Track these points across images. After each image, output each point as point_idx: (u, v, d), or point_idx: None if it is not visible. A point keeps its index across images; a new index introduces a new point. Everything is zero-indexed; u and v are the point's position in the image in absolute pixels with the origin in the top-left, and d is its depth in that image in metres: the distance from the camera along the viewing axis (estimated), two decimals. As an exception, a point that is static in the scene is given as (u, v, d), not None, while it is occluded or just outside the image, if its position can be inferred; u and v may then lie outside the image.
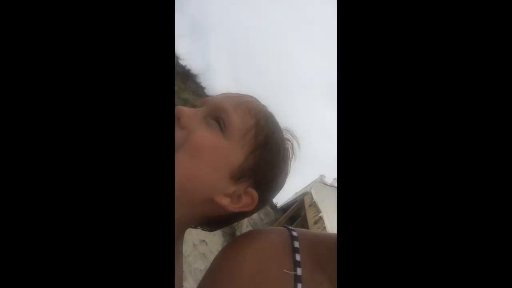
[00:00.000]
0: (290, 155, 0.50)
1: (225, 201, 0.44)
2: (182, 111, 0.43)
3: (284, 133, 0.49)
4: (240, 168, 0.44)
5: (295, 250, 0.45)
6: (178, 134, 0.42)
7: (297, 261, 0.44)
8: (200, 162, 0.42)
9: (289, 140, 0.50)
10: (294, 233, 0.48)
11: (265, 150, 0.45)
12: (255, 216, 5.54)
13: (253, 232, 0.50)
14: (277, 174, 0.47)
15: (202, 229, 0.50)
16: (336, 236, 0.43)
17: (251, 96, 0.49)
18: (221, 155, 0.43)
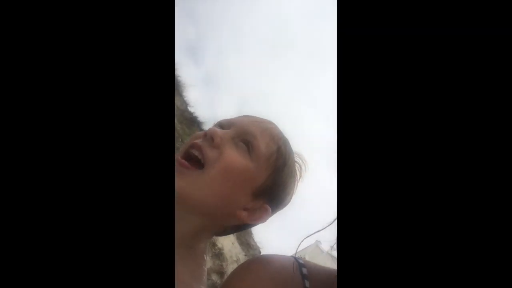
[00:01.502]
0: (298, 177, 0.56)
1: (244, 215, 0.49)
2: (215, 132, 0.47)
3: (295, 157, 0.56)
4: (261, 187, 0.49)
5: (304, 277, 0.47)
6: (211, 152, 0.46)
7: (306, 287, 0.46)
8: (230, 181, 0.46)
9: (298, 163, 0.56)
10: (301, 261, 0.50)
11: (282, 172, 0.51)
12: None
13: (265, 257, 0.52)
14: (288, 193, 0.54)
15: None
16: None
17: (271, 122, 0.55)
18: (247, 175, 0.47)
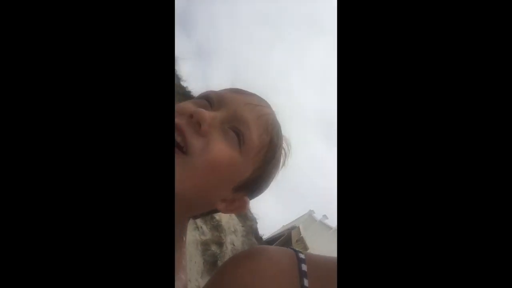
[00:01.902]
0: (281, 165, 0.52)
1: (222, 206, 0.46)
2: (203, 116, 0.41)
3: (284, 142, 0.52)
4: (245, 181, 0.45)
5: (303, 274, 0.43)
6: (197, 141, 0.41)
7: (305, 286, 0.42)
8: (213, 176, 0.42)
9: (284, 150, 0.52)
10: (302, 256, 0.46)
11: (269, 164, 0.47)
12: (239, 246, 5.39)
13: (263, 251, 0.47)
14: (269, 183, 0.51)
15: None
16: None
17: (267, 105, 0.50)
18: (233, 170, 0.43)
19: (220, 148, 0.41)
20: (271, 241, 8.52)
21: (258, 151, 0.44)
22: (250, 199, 0.49)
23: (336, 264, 0.45)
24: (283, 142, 0.51)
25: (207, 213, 0.51)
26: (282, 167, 0.52)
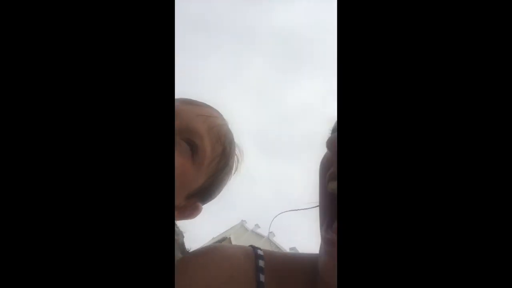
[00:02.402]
0: (234, 171, 0.54)
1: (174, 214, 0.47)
2: None
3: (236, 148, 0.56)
4: (198, 189, 0.47)
5: (259, 270, 0.44)
6: None
7: (260, 282, 0.43)
8: None
9: (236, 156, 0.54)
10: (260, 252, 0.47)
11: (222, 172, 0.49)
12: None
13: (218, 248, 0.48)
14: (221, 188, 0.52)
15: None
16: (303, 257, 0.47)
17: (219, 115, 0.51)
18: (186, 179, 0.44)
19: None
20: (200, 254, 8.33)
21: (211, 160, 0.46)
22: (202, 205, 0.50)
23: (295, 260, 0.47)
24: (237, 149, 0.54)
25: None
26: (234, 173, 0.54)
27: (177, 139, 0.44)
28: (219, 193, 0.52)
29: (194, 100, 0.50)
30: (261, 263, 0.45)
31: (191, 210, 0.48)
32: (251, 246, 0.49)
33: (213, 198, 0.52)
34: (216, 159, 0.47)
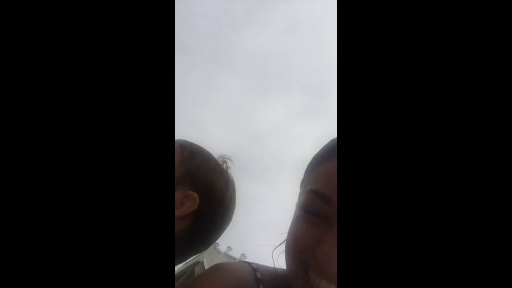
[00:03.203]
0: (226, 169, 0.58)
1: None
2: None
3: (220, 157, 0.59)
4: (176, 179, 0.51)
5: (259, 281, 0.48)
6: None
7: None
8: None
9: (225, 162, 0.60)
10: (254, 265, 0.52)
11: (192, 160, 0.53)
12: None
13: (222, 266, 0.51)
14: (214, 179, 0.55)
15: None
16: (282, 269, 0.48)
17: (182, 141, 0.59)
18: None
19: None
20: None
21: None
22: (213, 196, 0.53)
23: (278, 270, 0.50)
24: (224, 157, 0.59)
25: (182, 234, 0.52)
26: (220, 168, 0.57)
27: None
28: (215, 183, 0.54)
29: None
30: (258, 275, 0.50)
31: (187, 200, 0.51)
32: (244, 261, 0.53)
33: (211, 188, 0.53)
34: (176, 151, 0.54)
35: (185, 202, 0.51)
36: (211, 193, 0.54)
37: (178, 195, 0.51)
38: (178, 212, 0.50)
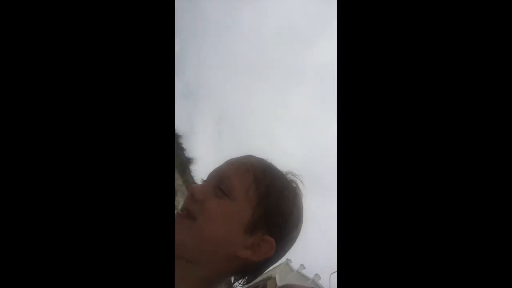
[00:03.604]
0: (298, 194, 0.55)
1: (247, 253, 0.49)
2: (194, 188, 0.52)
3: (288, 176, 0.55)
4: (251, 221, 0.49)
5: None
6: (193, 207, 0.49)
7: None
8: (215, 226, 0.48)
9: (293, 182, 0.55)
10: None
11: (268, 199, 0.50)
12: None
13: (293, 285, 0.52)
14: (288, 216, 0.52)
15: (240, 284, 0.54)
16: None
17: (249, 156, 0.56)
18: (231, 215, 0.49)
19: (212, 203, 0.49)
20: (245, 293, 8.16)
21: (246, 191, 0.50)
22: (284, 239, 0.51)
23: None
24: (290, 175, 0.55)
25: (245, 272, 0.52)
26: (302, 197, 0.55)
27: (215, 190, 0.50)
28: (290, 221, 0.52)
29: (237, 157, 0.56)
30: None
31: (264, 246, 0.50)
32: (315, 284, 0.66)
33: (287, 229, 0.52)
34: (251, 188, 0.50)
35: (261, 245, 0.49)
36: (286, 234, 0.52)
37: (255, 238, 0.49)
38: (255, 256, 0.49)
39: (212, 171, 0.55)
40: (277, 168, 0.55)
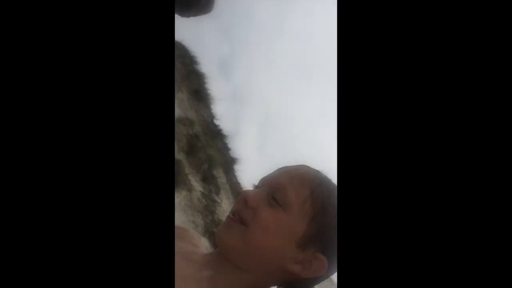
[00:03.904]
0: None
1: (296, 268, 0.48)
2: (248, 194, 0.50)
3: None
4: (305, 236, 0.48)
5: None
6: (246, 213, 0.49)
7: None
8: (268, 236, 0.47)
9: None
10: None
11: (324, 214, 0.49)
12: None
13: None
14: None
15: None
16: None
17: (304, 166, 0.54)
18: (285, 228, 0.48)
19: (266, 212, 0.48)
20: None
21: (301, 205, 0.48)
22: (333, 260, 0.49)
23: None
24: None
25: (291, 286, 0.51)
26: None
27: (269, 198, 0.49)
28: (334, 230, 0.49)
29: (290, 165, 0.55)
30: None
31: (316, 264, 0.48)
32: None
33: (333, 243, 0.49)
34: (307, 202, 0.48)
35: (313, 263, 0.48)
36: (336, 251, 0.49)
37: (307, 254, 0.48)
38: (304, 273, 0.48)
39: (265, 178, 0.53)
40: (332, 182, 0.52)
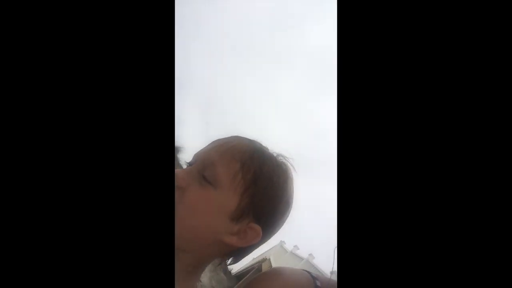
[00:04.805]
0: (288, 178, 0.53)
1: (232, 240, 0.49)
2: (177, 173, 0.49)
3: (278, 159, 0.53)
4: (238, 210, 0.48)
5: None
6: (176, 194, 0.47)
7: None
8: (198, 215, 0.48)
9: (284, 164, 0.54)
10: (313, 274, 0.55)
11: (256, 186, 0.49)
12: (206, 283, 5.79)
13: (278, 271, 0.56)
14: (276, 203, 0.51)
15: (227, 263, 0.56)
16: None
17: (236, 137, 0.54)
18: (215, 205, 0.48)
19: (193, 193, 0.48)
20: (241, 275, 8.09)
21: (232, 179, 0.48)
22: (272, 225, 0.51)
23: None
24: (281, 158, 0.54)
25: (230, 254, 0.53)
26: (291, 182, 0.53)
27: (200, 176, 0.48)
28: (278, 207, 0.50)
29: (222, 138, 0.53)
30: (318, 283, 0.50)
31: (251, 233, 0.48)
32: (305, 270, 0.54)
33: (275, 215, 0.50)
34: (238, 175, 0.48)
35: (248, 232, 0.49)
36: (274, 221, 0.51)
37: (241, 225, 0.48)
38: (240, 242, 0.48)
39: (198, 153, 0.53)
40: (266, 151, 0.53)
